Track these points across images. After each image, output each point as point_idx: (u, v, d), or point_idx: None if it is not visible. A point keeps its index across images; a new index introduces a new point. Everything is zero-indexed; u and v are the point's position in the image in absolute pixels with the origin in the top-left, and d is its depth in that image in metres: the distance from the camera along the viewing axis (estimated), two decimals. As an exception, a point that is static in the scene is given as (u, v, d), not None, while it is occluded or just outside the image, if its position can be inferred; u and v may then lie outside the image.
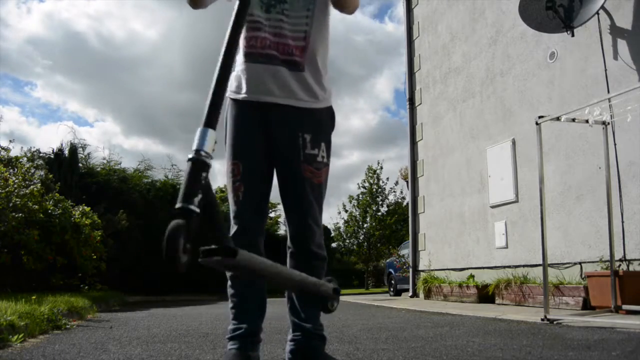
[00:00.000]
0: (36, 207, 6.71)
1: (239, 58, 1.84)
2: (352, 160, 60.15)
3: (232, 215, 1.82)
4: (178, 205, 0.95)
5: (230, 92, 1.87)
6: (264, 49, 1.76)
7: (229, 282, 1.80)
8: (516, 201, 6.04)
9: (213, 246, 0.99)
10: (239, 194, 1.79)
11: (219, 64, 1.18)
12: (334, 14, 1.88)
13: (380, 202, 22.22)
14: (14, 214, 6.27)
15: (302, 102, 1.79)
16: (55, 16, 78.22)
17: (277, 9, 1.77)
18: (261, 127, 1.80)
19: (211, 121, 1.07)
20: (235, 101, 1.85)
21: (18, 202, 6.37)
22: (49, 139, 32.94)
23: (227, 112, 1.90)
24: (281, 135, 1.80)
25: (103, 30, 74.86)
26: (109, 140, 65.92)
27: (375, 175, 22.29)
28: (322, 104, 1.84)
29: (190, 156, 1.01)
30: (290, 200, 1.84)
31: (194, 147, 1.02)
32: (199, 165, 1.01)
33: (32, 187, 6.75)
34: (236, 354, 1.69)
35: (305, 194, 1.80)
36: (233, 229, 1.79)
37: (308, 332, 1.80)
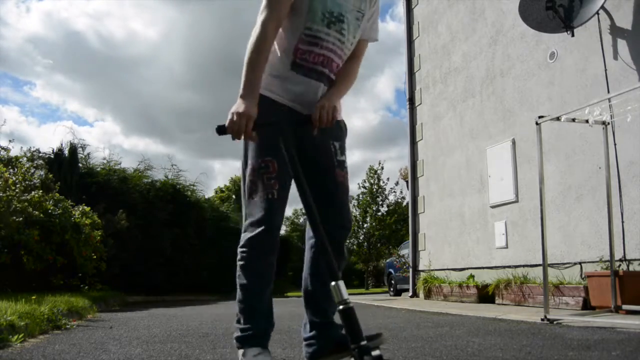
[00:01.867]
0: (36, 212, 6.71)
1: (282, 61, 1.81)
2: (353, 160, 60.27)
3: (258, 212, 1.75)
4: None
5: (266, 91, 1.81)
6: (316, 65, 1.79)
7: (245, 281, 1.78)
8: (516, 201, 6.04)
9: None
10: (274, 192, 1.76)
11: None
12: None
13: (381, 202, 22.23)
14: (14, 217, 6.27)
15: None
16: (54, 15, 78.32)
17: (336, 27, 1.81)
18: (295, 133, 1.80)
19: (338, 274, 1.44)
20: (271, 100, 1.82)
21: (18, 208, 6.38)
22: (49, 138, 32.94)
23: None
24: (315, 143, 1.85)
25: (103, 30, 74.93)
26: (109, 140, 66.19)
27: (375, 175, 22.29)
28: (340, 116, 1.93)
29: (340, 307, 1.38)
30: (328, 204, 1.85)
31: (341, 298, 1.39)
32: (349, 310, 1.38)
33: (33, 193, 6.76)
34: (267, 355, 1.76)
35: (344, 199, 1.87)
36: (258, 228, 1.74)
37: (334, 326, 1.87)
